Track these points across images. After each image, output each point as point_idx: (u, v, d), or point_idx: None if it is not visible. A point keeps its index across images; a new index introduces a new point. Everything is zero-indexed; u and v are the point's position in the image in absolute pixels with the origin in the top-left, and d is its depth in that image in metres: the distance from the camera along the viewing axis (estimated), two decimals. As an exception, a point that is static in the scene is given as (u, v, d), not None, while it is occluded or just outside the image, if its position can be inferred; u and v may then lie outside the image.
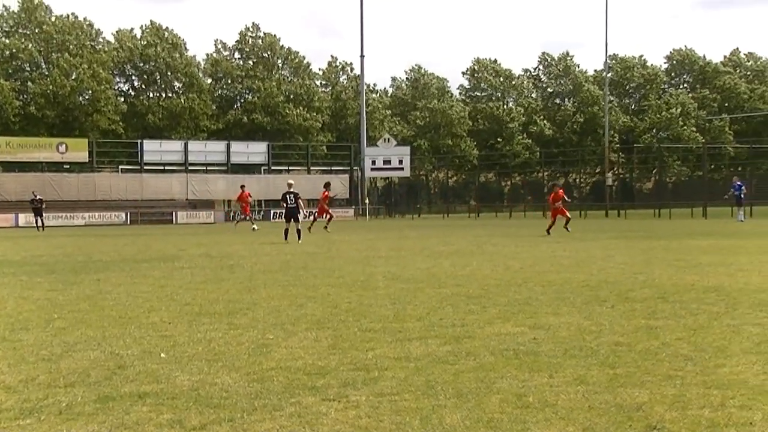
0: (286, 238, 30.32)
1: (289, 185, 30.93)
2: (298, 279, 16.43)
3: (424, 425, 5.77)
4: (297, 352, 8.50)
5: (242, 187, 51.19)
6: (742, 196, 48.44)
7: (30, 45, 77.11)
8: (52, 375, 7.58)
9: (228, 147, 75.49)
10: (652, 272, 16.47)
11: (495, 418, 5.90)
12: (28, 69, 78.49)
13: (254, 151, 76.66)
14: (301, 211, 30.75)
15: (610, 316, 10.57)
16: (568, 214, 34.87)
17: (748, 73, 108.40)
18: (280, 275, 17.38)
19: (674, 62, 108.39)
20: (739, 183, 48.98)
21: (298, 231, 30.22)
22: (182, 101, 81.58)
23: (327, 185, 43.80)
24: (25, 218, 56.90)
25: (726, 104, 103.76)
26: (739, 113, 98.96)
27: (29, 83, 77.19)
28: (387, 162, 76.58)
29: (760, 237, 29.60)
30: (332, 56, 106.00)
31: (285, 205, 30.54)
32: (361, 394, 6.67)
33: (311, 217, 42.86)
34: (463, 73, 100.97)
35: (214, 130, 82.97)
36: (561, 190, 35.34)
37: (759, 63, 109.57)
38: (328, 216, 42.79)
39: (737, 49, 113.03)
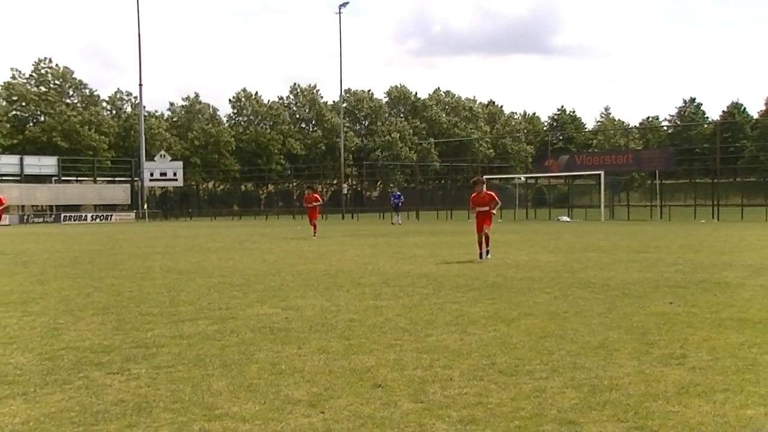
0: None
1: None
2: (86, 272, 15.67)
3: (195, 391, 5.66)
4: (85, 334, 8.11)
5: None
6: (400, 204, 48.80)
7: None
8: None
9: (21, 160, 71.98)
10: (378, 263, 16.96)
11: (254, 383, 5.87)
12: None
13: (46, 164, 73.61)
14: None
15: (345, 299, 10.78)
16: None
17: (447, 107, 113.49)
18: (69, 269, 16.50)
19: (393, 96, 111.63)
20: (398, 193, 50.48)
21: None
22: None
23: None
24: None
25: (432, 130, 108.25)
26: (441, 138, 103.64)
27: None
28: (163, 174, 77.70)
29: (469, 234, 31.10)
30: (118, 88, 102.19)
31: None
32: (141, 368, 6.47)
33: None
34: (230, 101, 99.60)
35: (8, 145, 77.79)
36: (315, 194, 31.67)
37: (454, 99, 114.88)
38: None
39: (438, 87, 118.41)
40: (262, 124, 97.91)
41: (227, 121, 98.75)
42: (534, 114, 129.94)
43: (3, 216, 35.37)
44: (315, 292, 11.51)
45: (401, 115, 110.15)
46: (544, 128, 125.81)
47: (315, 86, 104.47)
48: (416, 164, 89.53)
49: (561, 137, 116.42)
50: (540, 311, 9.34)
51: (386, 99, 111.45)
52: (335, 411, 5.10)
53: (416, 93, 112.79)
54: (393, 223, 46.15)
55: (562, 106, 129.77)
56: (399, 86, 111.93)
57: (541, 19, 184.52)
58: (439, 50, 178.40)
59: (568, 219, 53.28)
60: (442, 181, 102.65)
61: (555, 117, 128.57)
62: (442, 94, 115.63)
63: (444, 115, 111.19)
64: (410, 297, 10.80)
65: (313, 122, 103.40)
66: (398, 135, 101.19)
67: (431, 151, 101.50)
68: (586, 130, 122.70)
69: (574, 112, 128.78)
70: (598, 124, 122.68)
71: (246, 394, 5.56)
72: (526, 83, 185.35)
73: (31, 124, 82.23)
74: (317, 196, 31.63)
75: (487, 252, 17.30)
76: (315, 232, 29.64)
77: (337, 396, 5.48)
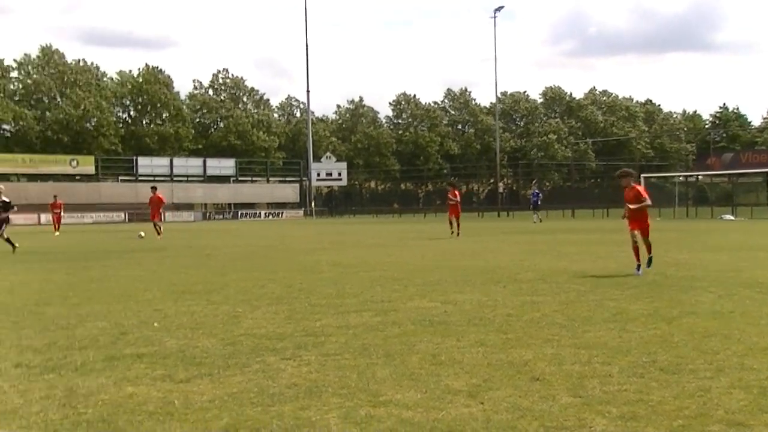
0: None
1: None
2: (261, 265, 16.31)
3: (360, 378, 5.75)
4: (261, 322, 8.43)
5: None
6: (539, 202, 46.90)
7: (49, 81, 75.59)
8: (69, 340, 7.43)
9: (204, 162, 76.25)
10: (534, 260, 16.67)
11: (416, 373, 5.90)
12: (46, 101, 76.82)
13: (225, 165, 77.60)
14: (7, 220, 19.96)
15: (502, 294, 10.65)
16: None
17: (603, 106, 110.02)
18: (246, 262, 17.23)
19: (548, 97, 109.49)
20: (537, 191, 48.30)
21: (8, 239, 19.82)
22: (168, 127, 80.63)
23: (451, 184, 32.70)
24: (46, 218, 55.39)
25: (588, 130, 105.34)
26: (597, 137, 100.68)
27: (47, 113, 75.70)
28: (329, 174, 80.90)
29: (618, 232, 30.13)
30: (288, 95, 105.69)
31: None
32: (311, 355, 6.64)
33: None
34: (390, 104, 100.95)
35: (194, 149, 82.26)
36: (455, 190, 29.11)
37: (611, 98, 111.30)
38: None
39: (594, 87, 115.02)
40: (420, 126, 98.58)
41: (387, 123, 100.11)
42: (695, 112, 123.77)
43: (164, 214, 36.67)
44: (472, 287, 11.45)
45: (556, 116, 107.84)
46: (706, 126, 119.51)
47: (467, 90, 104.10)
48: (572, 164, 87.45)
49: (724, 135, 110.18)
50: (703, 310, 8.86)
51: (541, 100, 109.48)
52: (494, 402, 5.04)
53: (571, 93, 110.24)
54: (534, 222, 44.76)
55: (724, 104, 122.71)
56: (554, 87, 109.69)
57: (701, 17, 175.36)
58: (595, 50, 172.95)
59: (732, 217, 50.23)
60: (598, 180, 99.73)
61: (717, 115, 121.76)
62: (598, 93, 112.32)
63: (600, 115, 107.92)
64: (567, 293, 10.53)
65: (467, 124, 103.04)
66: (555, 136, 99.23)
67: (588, 151, 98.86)
68: (752, 127, 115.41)
69: (737, 109, 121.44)
70: (765, 121, 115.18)
71: (408, 383, 5.60)
72: (684, 81, 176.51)
73: (212, 130, 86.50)
74: (457, 192, 28.83)
75: (648, 261, 13.39)
76: (456, 231, 26.98)
77: (495, 388, 5.41)
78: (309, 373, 5.97)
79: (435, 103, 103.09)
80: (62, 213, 36.20)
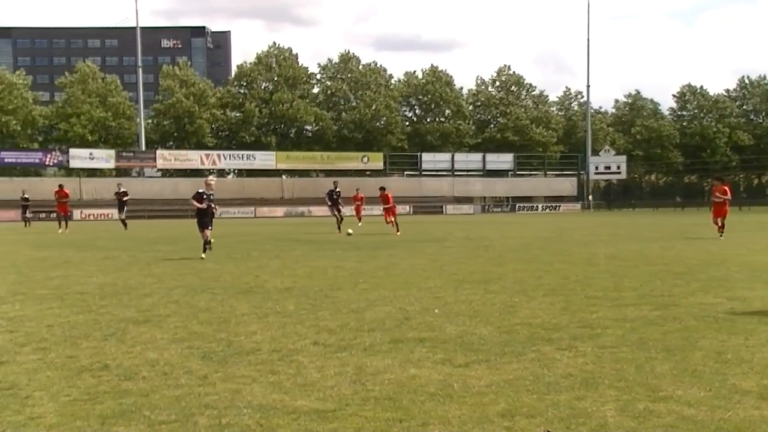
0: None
1: (209, 185, 17.68)
2: (537, 257, 16.18)
3: (638, 372, 5.50)
4: (536, 312, 8.37)
5: (357, 190, 37.31)
6: None
7: (344, 86, 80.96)
8: (359, 322, 7.87)
9: (483, 157, 77.41)
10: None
11: (698, 370, 5.53)
12: (342, 103, 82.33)
13: (503, 160, 78.15)
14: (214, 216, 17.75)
15: (798, 292, 9.63)
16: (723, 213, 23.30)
17: None
18: (522, 254, 17.19)
19: None
20: None
21: (209, 242, 17.34)
22: (450, 124, 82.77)
23: (382, 189, 29.89)
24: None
25: None
26: None
27: (343, 113, 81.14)
28: (607, 167, 79.43)
29: None
30: (567, 87, 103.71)
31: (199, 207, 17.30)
32: (587, 346, 6.47)
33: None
34: (673, 96, 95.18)
35: (474, 144, 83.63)
36: (723, 185, 24.27)
37: None
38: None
39: None
40: (707, 118, 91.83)
41: (670, 115, 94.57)
42: None
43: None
44: (764, 285, 10.48)
45: None
46: None
47: (766, 77, 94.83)
48: None
49: None
50: None
51: None
52: (788, 407, 4.57)
53: None
54: None
55: None
56: None
57: None
58: None
59: None
60: None
61: None
62: None
63: None
64: None
65: (762, 114, 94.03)
66: None
67: None
68: None
69: None
70: None
71: (690, 380, 5.26)
72: None
73: (491, 126, 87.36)
74: (726, 188, 24.31)
75: None
76: (720, 229, 22.80)
77: (790, 392, 4.90)
78: (585, 364, 5.82)
79: (726, 92, 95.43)
80: (363, 205, 38.21)
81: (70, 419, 4.55)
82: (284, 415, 4.59)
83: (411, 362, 5.99)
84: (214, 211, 17.45)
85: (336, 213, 30.18)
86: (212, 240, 17.56)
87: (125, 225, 33.89)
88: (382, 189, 29.86)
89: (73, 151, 65.56)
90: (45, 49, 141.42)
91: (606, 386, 5.14)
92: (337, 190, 31.02)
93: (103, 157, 66.56)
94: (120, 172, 68.27)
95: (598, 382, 5.26)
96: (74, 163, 65.41)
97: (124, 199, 34.81)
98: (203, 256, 16.50)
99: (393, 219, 28.34)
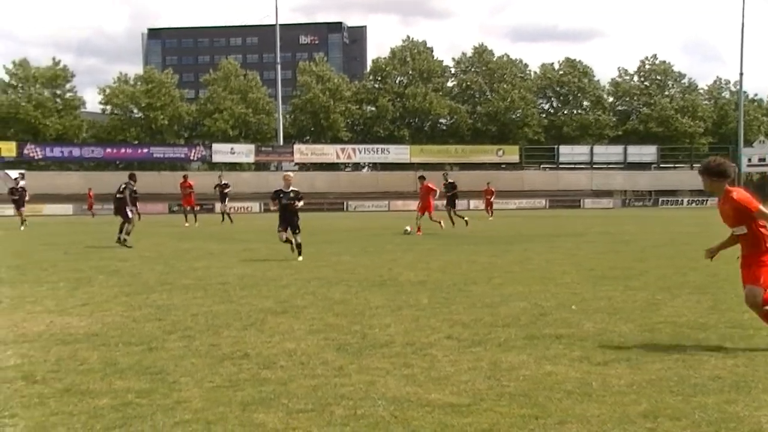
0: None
1: (287, 180, 15.55)
2: (682, 252, 15.50)
3: (795, 378, 5.17)
4: (681, 311, 8.04)
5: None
6: None
7: (479, 78, 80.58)
8: (493, 317, 7.82)
9: (625, 149, 75.17)
10: None
11: None
12: (477, 96, 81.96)
13: (646, 152, 75.50)
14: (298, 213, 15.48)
15: None
16: None
17: None
18: (666, 249, 16.53)
19: None
20: None
21: (298, 245, 15.06)
22: (589, 116, 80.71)
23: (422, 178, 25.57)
24: (474, 204, 58.78)
25: None
26: None
27: (478, 106, 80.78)
28: (761, 159, 75.57)
29: None
30: (717, 76, 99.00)
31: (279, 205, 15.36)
32: (738, 348, 6.15)
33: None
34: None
35: (614, 136, 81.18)
36: None
37: None
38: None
39: None
40: None
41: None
42: None
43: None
44: None
45: None
46: None
47: None
48: None
49: None
50: None
51: None
52: None
53: None
54: None
55: None
56: None
57: None
58: None
59: None
60: None
61: None
62: None
63: None
64: None
65: None
66: None
67: None
68: None
69: None
70: None
71: None
72: None
73: (633, 117, 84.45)
74: None
75: None
76: None
77: None
78: (735, 366, 5.53)
79: None
80: (493, 199, 38.04)
81: (214, 404, 4.76)
82: (418, 408, 4.62)
83: (547, 359, 5.89)
84: (296, 207, 15.13)
85: (449, 211, 27.56)
86: (300, 242, 14.99)
87: (230, 218, 32.12)
88: (422, 178, 25.22)
89: (215, 146, 68.55)
90: (190, 48, 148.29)
91: (760, 390, 4.87)
92: (450, 182, 28.24)
93: (244, 152, 69.21)
94: (259, 166, 70.68)
95: (751, 385, 4.98)
96: (216, 158, 68.33)
97: (226, 191, 33.09)
98: (300, 258, 14.55)
99: (429, 214, 24.00)
